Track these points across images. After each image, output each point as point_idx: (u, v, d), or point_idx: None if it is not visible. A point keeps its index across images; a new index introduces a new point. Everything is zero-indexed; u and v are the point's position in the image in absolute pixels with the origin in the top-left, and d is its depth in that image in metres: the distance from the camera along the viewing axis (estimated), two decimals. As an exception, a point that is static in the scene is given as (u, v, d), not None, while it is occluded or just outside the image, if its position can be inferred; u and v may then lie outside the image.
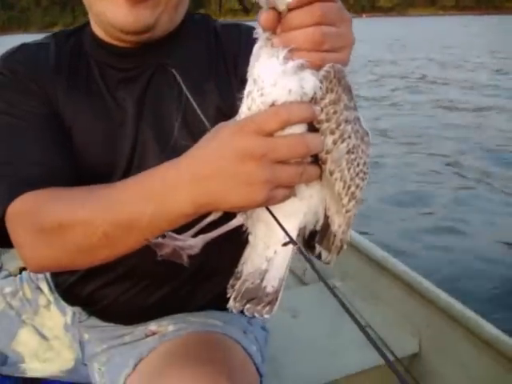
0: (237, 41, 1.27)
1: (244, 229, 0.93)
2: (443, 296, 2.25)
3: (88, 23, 1.32)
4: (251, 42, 0.82)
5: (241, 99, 0.84)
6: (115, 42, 1.24)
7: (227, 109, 1.14)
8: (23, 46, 1.28)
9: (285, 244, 0.86)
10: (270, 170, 0.77)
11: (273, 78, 0.77)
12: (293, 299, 2.56)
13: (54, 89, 1.21)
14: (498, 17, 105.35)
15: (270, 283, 0.91)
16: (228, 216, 0.92)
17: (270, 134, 0.77)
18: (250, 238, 0.93)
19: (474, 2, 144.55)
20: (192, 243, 0.94)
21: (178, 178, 0.84)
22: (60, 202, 1.00)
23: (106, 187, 0.97)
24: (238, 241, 0.94)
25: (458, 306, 2.15)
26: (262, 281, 0.91)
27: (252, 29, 0.88)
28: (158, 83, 1.24)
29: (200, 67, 1.27)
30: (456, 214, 5.80)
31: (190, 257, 0.92)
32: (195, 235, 0.95)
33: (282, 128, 0.77)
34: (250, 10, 0.76)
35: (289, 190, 0.82)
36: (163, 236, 0.92)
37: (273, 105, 0.78)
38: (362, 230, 3.64)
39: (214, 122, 1.09)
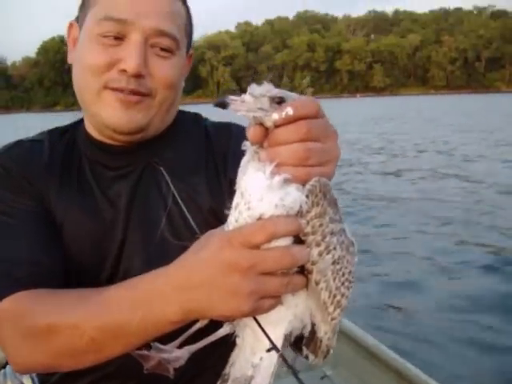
0: (226, 142, 1.31)
1: (231, 331, 0.94)
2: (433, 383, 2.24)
3: (82, 121, 1.36)
4: (240, 143, 0.84)
5: (229, 208, 0.86)
6: (108, 141, 1.28)
7: (218, 208, 1.15)
8: (18, 144, 1.31)
9: (268, 350, 0.87)
10: (256, 282, 0.79)
11: (259, 192, 0.79)
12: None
13: (47, 187, 1.23)
14: (485, 95, 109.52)
15: None
16: (215, 323, 0.93)
17: (257, 247, 0.79)
18: (238, 340, 0.94)
19: (464, 82, 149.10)
20: (178, 355, 0.95)
21: (166, 286, 0.86)
22: (48, 306, 1.00)
23: (95, 292, 0.97)
24: (224, 343, 0.95)
25: None
26: None
27: (242, 129, 0.92)
28: (147, 183, 1.27)
29: (190, 167, 1.30)
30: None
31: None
32: (182, 343, 0.96)
33: (269, 241, 0.79)
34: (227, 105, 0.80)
35: (275, 299, 0.83)
36: (149, 346, 0.93)
37: (260, 218, 0.79)
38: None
39: (205, 222, 1.13)
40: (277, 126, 0.78)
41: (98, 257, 1.22)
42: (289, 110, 0.77)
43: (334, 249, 0.83)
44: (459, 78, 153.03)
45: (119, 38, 1.18)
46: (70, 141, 1.33)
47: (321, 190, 0.79)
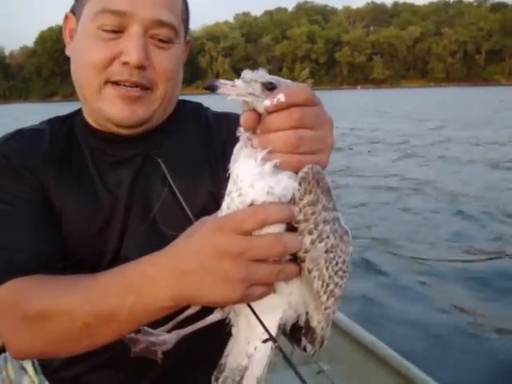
0: (226, 130, 1.31)
1: (227, 321, 0.94)
2: (430, 381, 2.24)
3: (81, 110, 1.36)
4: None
5: (223, 195, 0.86)
6: (107, 131, 1.28)
7: (219, 194, 1.16)
8: (18, 133, 1.31)
9: (264, 341, 0.88)
10: (247, 269, 0.79)
11: (250, 179, 0.79)
12: (280, 382, 2.52)
13: (46, 176, 1.24)
14: (485, 88, 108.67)
15: (249, 382, 0.92)
16: (208, 309, 0.93)
17: (248, 233, 0.79)
18: (233, 330, 0.94)
19: (463, 74, 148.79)
20: (166, 338, 0.95)
21: (157, 272, 0.86)
22: (43, 292, 1.01)
23: (89, 278, 0.98)
24: (221, 334, 0.95)
25: None
26: (241, 378, 0.92)
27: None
28: (147, 173, 1.27)
29: (191, 156, 1.31)
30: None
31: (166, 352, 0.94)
32: (172, 329, 0.96)
33: (260, 227, 0.79)
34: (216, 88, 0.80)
35: (267, 287, 0.83)
36: (138, 331, 0.93)
37: (251, 205, 0.79)
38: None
39: (205, 207, 1.14)
40: (269, 112, 0.78)
41: (98, 244, 1.23)
42: (281, 97, 0.77)
43: (327, 237, 0.82)
44: (459, 71, 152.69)
45: (118, 31, 1.17)
46: (69, 130, 1.33)
47: (314, 177, 0.79)
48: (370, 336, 2.72)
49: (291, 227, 0.81)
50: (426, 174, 13.17)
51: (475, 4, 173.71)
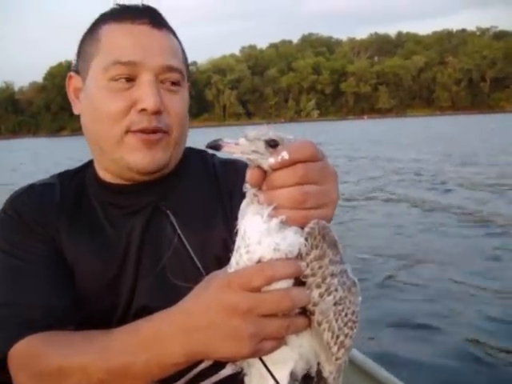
0: (233, 180, 1.33)
1: (239, 370, 0.94)
2: None
3: (90, 163, 1.39)
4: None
5: (232, 249, 0.88)
6: (116, 182, 1.30)
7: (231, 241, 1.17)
8: (30, 188, 1.34)
9: None
10: (256, 324, 0.81)
11: (258, 236, 0.81)
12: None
13: (58, 230, 1.26)
14: (490, 116, 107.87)
15: None
16: (221, 363, 0.93)
17: (257, 290, 0.81)
18: (246, 379, 0.94)
19: (469, 102, 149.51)
20: None
21: (170, 329, 0.88)
22: (59, 349, 1.03)
23: (103, 334, 1.00)
24: (232, 381, 0.95)
25: None
26: None
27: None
28: (156, 224, 1.28)
29: (201, 203, 1.32)
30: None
31: None
32: (187, 383, 0.97)
33: (268, 284, 0.80)
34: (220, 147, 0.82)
35: (277, 341, 0.85)
36: None
37: (259, 261, 0.81)
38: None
39: (216, 256, 1.18)
40: (274, 169, 0.80)
41: (110, 295, 1.24)
42: (284, 155, 0.79)
43: (336, 290, 0.84)
44: (464, 99, 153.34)
45: (130, 80, 1.20)
46: (79, 183, 1.36)
47: (319, 232, 0.81)
48: (386, 373, 2.65)
49: (299, 281, 0.83)
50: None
51: (478, 33, 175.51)
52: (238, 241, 0.85)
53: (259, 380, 0.92)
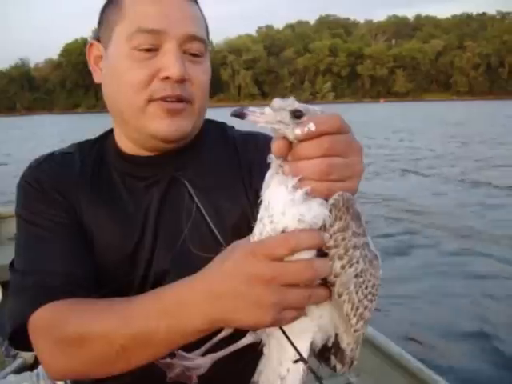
0: (252, 153, 1.33)
1: (258, 341, 0.96)
2: None
3: (109, 133, 1.39)
4: (266, 154, 0.86)
5: (255, 219, 0.88)
6: (136, 153, 1.31)
7: (243, 220, 1.21)
8: (49, 157, 1.34)
9: (295, 361, 0.89)
10: (278, 293, 0.81)
11: (282, 206, 0.81)
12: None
13: (78, 199, 1.26)
14: (508, 102, 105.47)
15: None
16: (241, 331, 0.94)
17: (280, 259, 0.81)
18: (265, 350, 0.95)
19: (487, 88, 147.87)
20: (200, 362, 0.96)
21: (192, 296, 0.89)
22: (80, 315, 1.04)
23: (124, 301, 1.00)
24: (251, 351, 0.96)
25: None
26: None
27: (269, 139, 0.91)
28: (174, 194, 1.28)
29: (219, 174, 1.32)
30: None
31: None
32: (207, 351, 0.98)
33: (292, 254, 0.81)
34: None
35: (298, 311, 0.85)
36: (173, 354, 0.95)
37: (283, 231, 0.81)
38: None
39: (230, 233, 1.17)
40: (300, 140, 0.80)
41: (129, 265, 1.25)
42: (311, 126, 0.78)
43: (357, 262, 0.84)
44: (482, 84, 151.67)
45: (153, 50, 1.20)
46: (99, 153, 1.36)
47: (344, 204, 0.81)
48: (397, 348, 2.72)
49: (322, 252, 0.83)
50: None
51: (498, 17, 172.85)
52: (262, 211, 0.85)
53: (279, 351, 0.92)
